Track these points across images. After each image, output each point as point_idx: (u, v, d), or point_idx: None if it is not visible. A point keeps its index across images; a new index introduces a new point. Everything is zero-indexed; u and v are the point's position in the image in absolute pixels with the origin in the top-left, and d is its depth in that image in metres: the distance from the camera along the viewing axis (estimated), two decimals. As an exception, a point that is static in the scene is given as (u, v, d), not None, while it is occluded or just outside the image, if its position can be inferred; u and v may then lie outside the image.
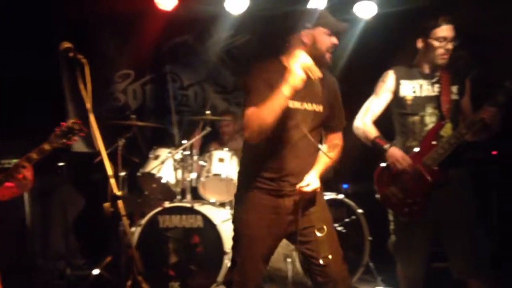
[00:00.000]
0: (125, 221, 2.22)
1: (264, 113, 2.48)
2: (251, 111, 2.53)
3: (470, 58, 5.29)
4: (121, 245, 4.39)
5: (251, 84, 2.62)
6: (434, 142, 3.07)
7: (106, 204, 2.20)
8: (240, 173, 2.88)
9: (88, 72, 2.38)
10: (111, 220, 2.42)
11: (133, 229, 4.23)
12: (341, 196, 4.49)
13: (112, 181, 2.23)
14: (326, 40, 2.66)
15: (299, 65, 2.46)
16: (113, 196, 2.20)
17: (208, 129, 4.68)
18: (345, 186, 5.57)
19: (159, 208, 4.21)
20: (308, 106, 2.69)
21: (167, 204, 4.25)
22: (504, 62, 3.10)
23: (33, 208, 4.67)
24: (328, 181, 5.67)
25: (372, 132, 3.19)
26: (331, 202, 4.47)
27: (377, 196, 3.20)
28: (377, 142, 3.15)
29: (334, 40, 2.68)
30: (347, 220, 4.42)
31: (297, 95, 2.56)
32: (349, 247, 4.41)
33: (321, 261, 2.65)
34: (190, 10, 5.37)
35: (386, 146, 3.12)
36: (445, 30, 3.06)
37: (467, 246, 3.03)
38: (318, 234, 2.66)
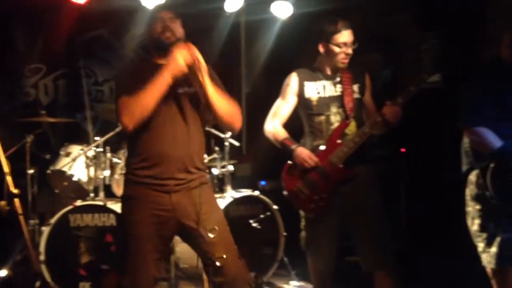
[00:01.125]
0: (22, 220, 2.13)
1: (144, 97, 2.46)
2: (125, 99, 2.49)
3: (382, 60, 5.52)
4: (27, 245, 4.22)
5: (122, 75, 2.65)
6: (339, 141, 3.17)
7: (2, 203, 2.12)
8: (126, 169, 2.75)
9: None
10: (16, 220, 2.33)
11: (43, 228, 4.07)
12: (256, 193, 4.53)
13: (9, 178, 2.14)
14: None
15: (183, 56, 2.50)
16: (9, 194, 2.11)
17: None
18: (262, 182, 5.64)
19: (70, 207, 4.08)
20: (190, 90, 2.66)
21: (78, 203, 4.13)
22: (411, 62, 3.23)
23: None
24: (245, 178, 5.75)
25: (281, 134, 3.29)
26: (247, 199, 4.51)
27: (285, 192, 3.26)
28: (285, 144, 3.24)
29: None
30: (262, 216, 4.46)
31: (180, 82, 2.60)
32: (264, 243, 4.50)
33: (216, 262, 2.61)
34: (105, 4, 5.25)
35: (293, 146, 3.21)
36: (345, 36, 3.15)
37: (372, 240, 3.14)
38: (210, 235, 2.62)
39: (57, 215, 4.06)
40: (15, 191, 2.12)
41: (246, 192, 4.57)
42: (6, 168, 2.18)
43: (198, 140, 2.72)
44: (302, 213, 3.35)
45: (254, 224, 4.40)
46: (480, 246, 2.93)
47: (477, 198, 2.94)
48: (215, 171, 4.62)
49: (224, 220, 2.77)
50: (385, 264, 3.17)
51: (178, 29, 2.67)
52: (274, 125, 3.31)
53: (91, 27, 5.79)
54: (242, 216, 4.41)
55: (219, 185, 4.73)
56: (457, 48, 4.09)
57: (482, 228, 2.92)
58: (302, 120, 3.36)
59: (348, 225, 3.22)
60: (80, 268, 4.06)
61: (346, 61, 3.21)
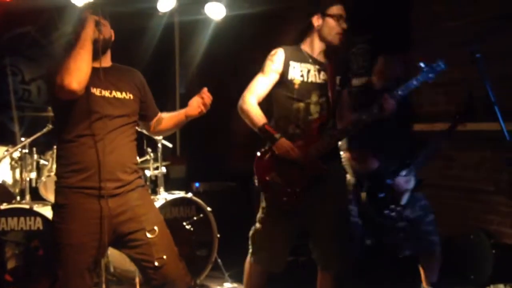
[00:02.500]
0: None
1: (76, 50, 2.43)
2: (60, 64, 2.43)
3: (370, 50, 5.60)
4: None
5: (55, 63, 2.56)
6: (319, 134, 3.01)
7: None
8: (57, 178, 2.65)
9: None
10: None
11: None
12: (189, 195, 4.51)
13: None
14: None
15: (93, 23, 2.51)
16: None
17: (50, 126, 4.44)
18: (197, 184, 5.63)
19: (-6, 210, 3.92)
20: (117, 94, 2.65)
21: (3, 206, 3.99)
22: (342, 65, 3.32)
23: None
24: (180, 179, 5.72)
25: (260, 117, 3.03)
26: (180, 200, 4.47)
27: (256, 183, 3.07)
28: (268, 130, 2.99)
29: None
30: (195, 218, 4.44)
31: (103, 84, 2.57)
32: (198, 245, 4.48)
33: (156, 263, 2.59)
34: (33, 0, 5.08)
35: (277, 135, 2.97)
36: (340, 9, 3.04)
37: (331, 240, 3.07)
38: (150, 236, 2.60)
39: (-20, 219, 3.90)
40: None
41: (179, 194, 4.54)
42: None
43: (129, 141, 2.69)
44: (263, 203, 3.16)
45: (188, 226, 4.38)
46: None
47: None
48: (148, 173, 4.56)
49: (163, 222, 2.74)
50: (335, 267, 3.13)
51: (107, 30, 2.63)
52: (251, 103, 3.03)
53: (18, 23, 5.60)
54: (175, 218, 4.37)
55: (152, 187, 4.67)
56: (385, 52, 4.23)
57: None
58: (274, 101, 3.14)
59: (310, 220, 3.09)
60: (6, 273, 3.91)
61: (341, 36, 3.05)
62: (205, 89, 2.80)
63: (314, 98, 3.04)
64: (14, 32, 5.64)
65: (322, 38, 3.07)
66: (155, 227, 2.62)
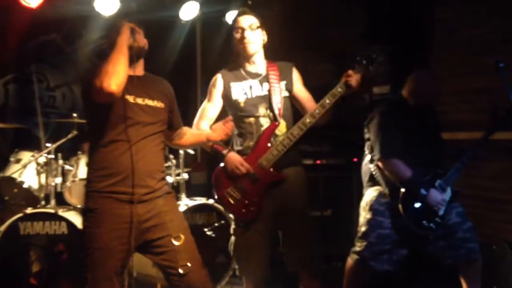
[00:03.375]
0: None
1: (113, 55, 2.50)
2: (91, 70, 2.56)
3: (333, 71, 5.63)
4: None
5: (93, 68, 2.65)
6: (268, 144, 3.11)
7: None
8: (87, 181, 2.71)
9: None
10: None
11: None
12: (211, 201, 4.54)
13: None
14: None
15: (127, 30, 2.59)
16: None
17: (74, 132, 4.52)
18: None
19: (20, 214, 3.99)
20: (149, 102, 2.71)
21: (29, 210, 4.05)
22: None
23: None
24: (201, 186, 5.76)
25: None
26: (201, 207, 4.50)
27: (216, 197, 3.19)
28: (216, 148, 3.13)
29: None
30: (216, 224, 4.47)
31: (136, 92, 2.64)
32: (218, 252, 4.50)
33: (180, 270, 2.63)
34: (57, 8, 5.16)
35: (224, 151, 3.11)
36: (240, 21, 3.14)
37: (298, 241, 3.15)
38: (175, 243, 2.63)
39: (7, 223, 3.98)
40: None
41: (200, 200, 4.57)
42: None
43: (158, 149, 2.75)
44: (232, 217, 3.30)
45: (209, 233, 4.40)
46: (356, 246, 3.46)
47: (370, 209, 3.42)
48: (170, 179, 4.60)
49: (188, 229, 2.78)
50: (308, 266, 3.20)
51: (141, 39, 2.70)
52: (202, 128, 3.19)
53: (43, 31, 5.67)
54: (197, 224, 4.41)
55: (174, 193, 4.71)
56: (406, 60, 4.24)
57: (364, 235, 3.42)
58: (233, 122, 3.22)
59: (276, 226, 3.19)
60: (31, 277, 3.97)
61: (248, 46, 3.12)
62: (229, 118, 2.98)
63: (261, 110, 3.17)
64: (40, 40, 5.71)
65: (239, 52, 3.22)
66: (181, 234, 2.66)
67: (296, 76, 3.28)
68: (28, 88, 5.67)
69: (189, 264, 2.64)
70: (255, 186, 3.10)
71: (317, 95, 3.23)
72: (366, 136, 3.52)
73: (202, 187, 5.65)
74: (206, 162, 6.17)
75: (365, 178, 3.59)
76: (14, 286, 3.96)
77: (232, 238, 3.28)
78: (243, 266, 3.25)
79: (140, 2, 5.06)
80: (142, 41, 2.71)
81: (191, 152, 4.82)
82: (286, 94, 3.21)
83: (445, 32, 4.73)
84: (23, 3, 4.49)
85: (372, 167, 3.47)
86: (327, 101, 3.07)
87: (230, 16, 5.28)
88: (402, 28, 4.79)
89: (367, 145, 3.52)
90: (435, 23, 4.83)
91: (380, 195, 3.42)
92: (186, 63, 6.10)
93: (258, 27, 3.15)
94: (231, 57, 3.28)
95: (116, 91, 2.45)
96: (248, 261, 3.19)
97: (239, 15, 3.17)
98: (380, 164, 3.37)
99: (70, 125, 4.76)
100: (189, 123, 3.24)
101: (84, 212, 2.68)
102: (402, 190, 3.29)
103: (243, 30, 3.13)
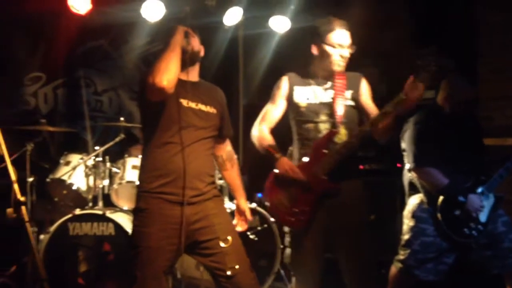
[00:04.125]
0: (28, 227, 2.16)
1: (166, 53, 2.57)
2: (146, 71, 2.61)
3: (378, 74, 5.60)
4: (27, 253, 4.24)
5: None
6: (324, 151, 3.00)
7: (9, 210, 2.14)
8: (139, 182, 2.77)
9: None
10: (16, 227, 2.35)
11: (41, 236, 4.11)
12: (253, 205, 4.56)
13: (16, 186, 2.17)
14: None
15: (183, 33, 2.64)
16: (16, 202, 2.13)
17: (122, 136, 4.63)
18: (259, 195, 5.67)
19: (69, 215, 4.11)
20: (202, 107, 2.76)
21: (77, 211, 4.16)
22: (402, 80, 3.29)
23: None
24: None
25: (266, 139, 3.12)
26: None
27: (267, 203, 3.14)
28: (269, 151, 3.07)
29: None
30: (259, 228, 4.49)
31: (190, 96, 2.69)
32: (261, 255, 4.53)
33: (228, 272, 2.64)
34: (105, 15, 5.30)
35: (277, 155, 3.04)
36: (340, 36, 2.99)
37: (355, 260, 3.04)
38: (223, 245, 2.65)
39: (57, 223, 4.10)
40: (22, 198, 2.14)
41: (244, 203, 4.59)
42: (13, 176, 2.20)
43: (208, 153, 2.80)
44: (286, 228, 3.25)
45: (252, 236, 4.43)
46: (400, 254, 3.44)
47: (413, 217, 3.40)
48: (213, 183, 4.64)
49: (235, 232, 2.81)
50: (364, 282, 3.09)
51: (197, 44, 2.75)
52: (261, 129, 3.14)
53: (91, 37, 5.81)
54: (240, 228, 4.44)
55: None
56: (453, 64, 4.18)
57: (408, 243, 3.39)
58: (292, 126, 3.21)
59: (332, 240, 3.09)
60: (79, 277, 4.08)
61: (342, 64, 3.04)
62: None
63: (323, 116, 3.07)
64: (88, 46, 5.86)
65: (321, 65, 3.09)
66: (229, 237, 2.68)
67: (364, 87, 3.15)
68: (77, 93, 5.81)
69: (237, 267, 2.65)
70: (307, 194, 2.99)
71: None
72: (402, 146, 3.49)
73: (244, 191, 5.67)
74: (248, 166, 6.20)
75: (406, 186, 3.57)
76: (63, 285, 4.05)
77: (288, 251, 3.24)
78: (300, 279, 3.21)
79: (183, 8, 5.15)
80: (197, 46, 2.75)
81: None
82: (351, 103, 3.10)
83: (493, 36, 4.65)
84: (73, 10, 4.61)
85: (411, 175, 3.45)
86: (389, 109, 2.87)
87: (273, 21, 5.30)
88: (450, 31, 4.73)
89: (404, 156, 3.49)
90: (483, 27, 4.75)
91: (422, 202, 3.39)
92: (228, 69, 6.15)
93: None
94: (303, 60, 3.22)
95: (167, 86, 2.50)
96: (304, 272, 3.15)
97: (341, 28, 3.02)
98: (414, 173, 3.35)
99: (116, 129, 4.87)
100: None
101: (135, 212, 2.74)
102: (440, 198, 3.27)
103: (342, 46, 3.02)
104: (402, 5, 5.26)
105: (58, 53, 5.62)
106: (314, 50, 3.09)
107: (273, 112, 3.18)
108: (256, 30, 5.75)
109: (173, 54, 2.57)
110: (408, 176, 3.49)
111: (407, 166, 3.46)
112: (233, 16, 5.21)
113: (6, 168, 2.31)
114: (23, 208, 2.16)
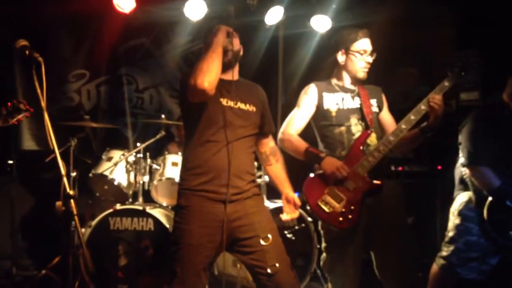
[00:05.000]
0: (77, 220, 2.21)
1: (208, 53, 2.59)
2: (188, 72, 2.64)
3: (418, 75, 5.53)
4: (70, 246, 4.34)
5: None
6: (362, 148, 3.09)
7: (58, 203, 2.20)
8: (180, 179, 2.82)
9: (43, 71, 2.38)
10: (60, 220, 2.42)
11: (82, 230, 4.20)
12: (291, 204, 4.55)
13: (65, 180, 2.23)
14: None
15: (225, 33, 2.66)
16: (65, 195, 2.19)
17: (162, 133, 4.70)
18: (296, 194, 5.65)
19: (110, 210, 4.19)
20: (242, 105, 2.78)
21: (118, 206, 4.24)
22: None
23: (-20, 207, 4.58)
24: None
25: (302, 142, 3.17)
26: (282, 209, 4.51)
27: (308, 207, 3.14)
28: (312, 151, 3.11)
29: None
30: (296, 228, 4.48)
31: (230, 95, 2.71)
32: (298, 255, 4.52)
33: (268, 270, 2.64)
34: (149, 13, 5.37)
35: (322, 154, 3.08)
36: (364, 43, 3.15)
37: (395, 256, 3.08)
38: (263, 243, 2.66)
39: (98, 217, 4.19)
40: (72, 192, 2.20)
41: (281, 202, 4.58)
42: (63, 170, 2.27)
43: (249, 152, 2.81)
44: (323, 232, 3.24)
45: (289, 235, 4.43)
46: (443, 250, 3.39)
47: (459, 214, 3.35)
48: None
49: (276, 230, 2.80)
50: (407, 285, 3.11)
51: (237, 44, 2.77)
52: (291, 134, 3.19)
53: (134, 35, 5.90)
54: (277, 227, 4.43)
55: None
56: (497, 66, 4.08)
57: (452, 240, 3.34)
58: (316, 132, 3.28)
59: (372, 239, 3.14)
60: (118, 270, 4.15)
61: (366, 71, 3.18)
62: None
63: (353, 120, 3.18)
64: (130, 44, 5.94)
65: (347, 72, 3.22)
66: (269, 235, 2.69)
67: (384, 98, 3.32)
68: (119, 90, 5.91)
69: (277, 265, 2.65)
70: (352, 193, 3.04)
71: (402, 100, 3.19)
72: (459, 139, 3.42)
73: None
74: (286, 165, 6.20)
75: (457, 180, 3.50)
76: (103, 278, 4.13)
77: (324, 255, 3.24)
78: (337, 282, 3.20)
79: (225, 8, 5.19)
80: (238, 45, 2.77)
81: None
82: (376, 110, 3.24)
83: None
84: (118, 9, 4.69)
85: (463, 170, 3.38)
86: (412, 117, 3.06)
87: (314, 20, 5.28)
88: (495, 31, 4.62)
89: (460, 149, 3.43)
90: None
91: (470, 200, 3.33)
92: (268, 68, 6.16)
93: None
94: (323, 67, 3.34)
95: (208, 88, 2.53)
96: (344, 276, 3.15)
97: (365, 36, 3.16)
98: (467, 170, 3.29)
99: (156, 126, 4.94)
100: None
101: (176, 209, 2.77)
102: (489, 199, 3.21)
103: (367, 53, 3.16)
104: (443, 6, 5.17)
105: (102, 51, 5.71)
106: (340, 58, 3.22)
107: (300, 118, 3.25)
108: (297, 30, 5.74)
109: (215, 55, 2.59)
110: (460, 170, 3.43)
111: (461, 160, 3.39)
112: (274, 15, 5.22)
113: (53, 162, 2.37)
114: (72, 201, 2.21)
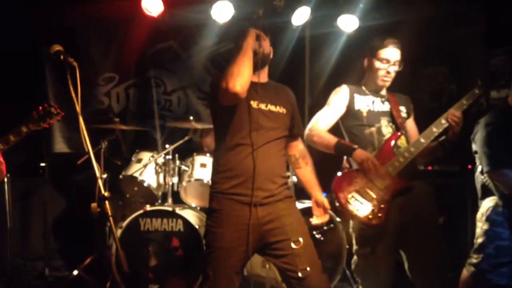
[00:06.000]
0: (112, 221, 2.25)
1: (239, 57, 2.60)
2: (218, 75, 2.65)
3: (448, 74, 5.47)
4: (102, 246, 4.41)
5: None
6: (393, 151, 3.09)
7: (94, 204, 2.23)
8: (211, 183, 2.82)
9: (78, 75, 2.43)
10: (92, 221, 2.46)
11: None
12: (319, 205, 4.55)
13: (100, 182, 2.27)
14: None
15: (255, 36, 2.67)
16: (100, 197, 2.23)
17: (191, 134, 4.74)
18: (324, 194, 5.64)
19: (141, 211, 4.23)
20: (271, 107, 2.78)
21: (148, 207, 4.28)
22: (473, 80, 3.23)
23: (14, 209, 4.68)
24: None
25: (332, 137, 3.15)
26: (310, 210, 4.50)
27: (337, 204, 3.13)
28: (343, 144, 3.11)
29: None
30: (325, 228, 4.48)
31: (260, 97, 2.71)
32: (327, 255, 4.50)
33: (299, 274, 2.63)
34: (176, 16, 5.42)
35: (354, 146, 3.08)
36: (389, 52, 3.13)
37: (428, 255, 3.06)
38: (294, 246, 2.65)
39: (129, 218, 4.24)
40: (106, 194, 2.24)
41: (309, 203, 4.57)
42: (98, 172, 2.31)
43: (280, 154, 2.80)
44: (354, 235, 3.21)
45: (318, 236, 4.43)
46: (473, 258, 3.33)
47: (487, 220, 3.28)
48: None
49: (307, 233, 2.78)
50: (440, 284, 3.09)
51: (267, 46, 2.79)
52: (320, 129, 3.16)
53: (162, 38, 5.97)
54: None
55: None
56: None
57: (481, 247, 3.29)
58: (345, 133, 3.28)
59: (403, 238, 3.11)
60: (149, 271, 4.19)
61: (387, 79, 3.19)
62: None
63: (383, 122, 3.19)
64: (158, 47, 6.01)
65: (371, 79, 3.24)
66: (300, 238, 2.67)
67: (412, 107, 3.34)
68: (147, 93, 5.99)
69: (308, 269, 2.64)
70: (383, 192, 3.04)
71: (430, 100, 3.17)
72: (474, 149, 3.40)
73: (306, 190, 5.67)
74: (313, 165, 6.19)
75: (479, 189, 3.46)
76: (133, 279, 4.16)
77: (355, 258, 3.22)
78: (369, 285, 3.18)
79: (252, 9, 5.20)
80: (268, 48, 2.78)
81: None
82: (405, 116, 3.26)
83: None
84: (146, 12, 4.74)
85: (483, 177, 3.35)
86: (443, 122, 3.08)
87: (341, 20, 5.26)
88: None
89: (476, 158, 3.40)
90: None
91: (497, 205, 3.29)
92: (294, 69, 6.16)
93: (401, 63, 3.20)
94: (351, 68, 3.34)
95: (240, 91, 2.54)
96: (376, 280, 3.12)
97: (392, 45, 3.15)
98: (490, 176, 3.25)
99: (184, 128, 4.98)
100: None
101: (208, 212, 2.78)
102: None
103: (390, 63, 3.16)
104: (471, 4, 5.11)
105: (130, 54, 5.80)
106: (365, 63, 3.25)
107: (330, 117, 3.24)
108: (323, 30, 5.72)
109: (245, 58, 2.60)
110: (481, 178, 3.39)
111: (479, 168, 3.37)
112: (301, 16, 5.20)
113: (84, 164, 2.41)
114: (107, 203, 2.25)
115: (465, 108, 3.11)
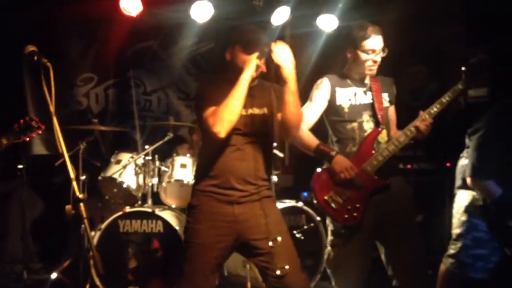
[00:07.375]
0: (87, 224, 2.22)
1: (232, 101, 2.57)
2: (212, 109, 2.61)
3: (428, 72, 5.50)
4: (80, 249, 4.36)
5: (206, 91, 2.73)
6: (372, 150, 3.09)
7: (68, 207, 2.20)
8: (194, 179, 2.88)
9: (52, 76, 2.40)
10: (70, 224, 2.43)
11: (92, 233, 4.20)
12: (300, 204, 4.57)
13: (75, 184, 2.24)
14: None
15: (256, 58, 2.65)
16: (75, 199, 2.20)
17: (170, 135, 4.71)
18: (305, 194, 5.66)
19: (120, 213, 4.20)
20: (254, 111, 2.77)
21: (128, 209, 4.25)
22: (453, 78, 3.23)
23: (-9, 211, 4.62)
24: (288, 188, 5.79)
25: (313, 139, 3.14)
26: (291, 209, 4.54)
27: (315, 201, 3.13)
28: (322, 149, 3.09)
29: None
30: (305, 227, 4.49)
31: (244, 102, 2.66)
32: (307, 254, 4.51)
33: (278, 272, 2.64)
34: (155, 16, 5.39)
35: (333, 153, 3.07)
36: (374, 42, 3.08)
37: (408, 251, 3.06)
38: (272, 245, 2.66)
39: (108, 220, 4.19)
40: (81, 196, 2.21)
41: (290, 202, 4.61)
42: (72, 174, 2.28)
43: (260, 156, 2.79)
44: (330, 227, 3.22)
45: (298, 235, 4.43)
46: (451, 248, 3.33)
47: (465, 211, 3.29)
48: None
49: (286, 232, 2.79)
50: (419, 278, 3.10)
51: (264, 65, 2.74)
52: (302, 130, 3.10)
53: (141, 38, 5.94)
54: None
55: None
56: (506, 63, 4.06)
57: (459, 237, 3.30)
58: (329, 126, 3.25)
59: (381, 235, 3.13)
60: (128, 273, 4.16)
61: (374, 69, 3.15)
62: None
63: (365, 116, 3.16)
64: (137, 47, 5.99)
65: (355, 70, 3.19)
66: (278, 237, 2.68)
67: (395, 90, 3.31)
68: (127, 93, 5.95)
69: (287, 267, 2.65)
70: (359, 191, 3.06)
71: (411, 98, 3.18)
72: (467, 143, 3.36)
73: (289, 190, 5.68)
74: (293, 165, 6.20)
75: (458, 179, 3.43)
76: (113, 281, 4.12)
77: (329, 249, 3.22)
78: (341, 278, 3.17)
79: (232, 9, 5.18)
80: (264, 66, 2.73)
81: (281, 155, 4.86)
82: (388, 105, 3.23)
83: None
84: (125, 12, 4.70)
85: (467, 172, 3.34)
86: (434, 110, 3.10)
87: (321, 20, 5.26)
88: (504, 27, 4.60)
89: (466, 151, 3.37)
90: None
91: (475, 199, 3.29)
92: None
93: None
94: (337, 64, 3.31)
95: (223, 136, 2.58)
96: (348, 272, 3.12)
97: (375, 34, 3.10)
98: (471, 182, 3.23)
99: (165, 128, 4.95)
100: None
101: (188, 208, 2.82)
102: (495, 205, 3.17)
103: (376, 52, 3.12)
104: (452, 2, 5.15)
105: (109, 54, 5.75)
106: (349, 55, 3.19)
107: (312, 113, 3.20)
108: (303, 29, 5.73)
109: (239, 104, 2.59)
110: (464, 169, 3.34)
111: (465, 160, 3.33)
112: (280, 16, 5.20)
113: (62, 166, 2.38)
114: (82, 205, 2.22)
115: (445, 105, 3.11)
